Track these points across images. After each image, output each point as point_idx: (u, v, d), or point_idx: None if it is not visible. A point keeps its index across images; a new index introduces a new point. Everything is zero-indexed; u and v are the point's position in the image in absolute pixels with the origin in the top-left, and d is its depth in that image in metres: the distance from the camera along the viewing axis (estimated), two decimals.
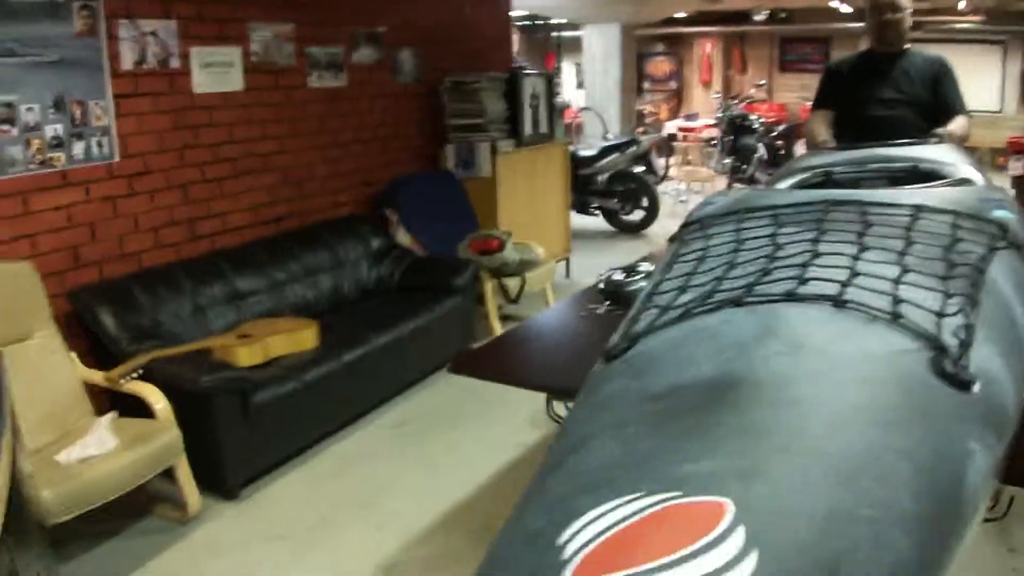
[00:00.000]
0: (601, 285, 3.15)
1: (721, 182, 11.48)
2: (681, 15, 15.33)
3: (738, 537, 0.83)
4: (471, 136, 6.06)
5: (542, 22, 15.87)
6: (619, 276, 3.13)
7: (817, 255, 1.38)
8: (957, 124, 3.56)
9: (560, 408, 2.63)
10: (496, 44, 7.09)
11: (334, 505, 3.59)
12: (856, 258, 1.36)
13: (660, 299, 1.45)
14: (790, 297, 1.24)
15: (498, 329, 5.30)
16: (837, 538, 0.85)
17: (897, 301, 1.22)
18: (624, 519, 0.88)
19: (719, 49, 17.38)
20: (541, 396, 4.41)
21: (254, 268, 4.50)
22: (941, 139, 3.29)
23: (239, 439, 3.56)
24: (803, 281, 1.28)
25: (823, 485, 0.90)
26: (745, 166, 11.41)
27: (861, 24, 13.75)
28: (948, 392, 1.08)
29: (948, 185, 2.14)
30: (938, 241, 1.47)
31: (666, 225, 9.38)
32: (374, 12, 5.68)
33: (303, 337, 4.07)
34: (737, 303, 1.27)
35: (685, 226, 1.86)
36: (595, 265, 7.05)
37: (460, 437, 4.19)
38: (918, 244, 1.44)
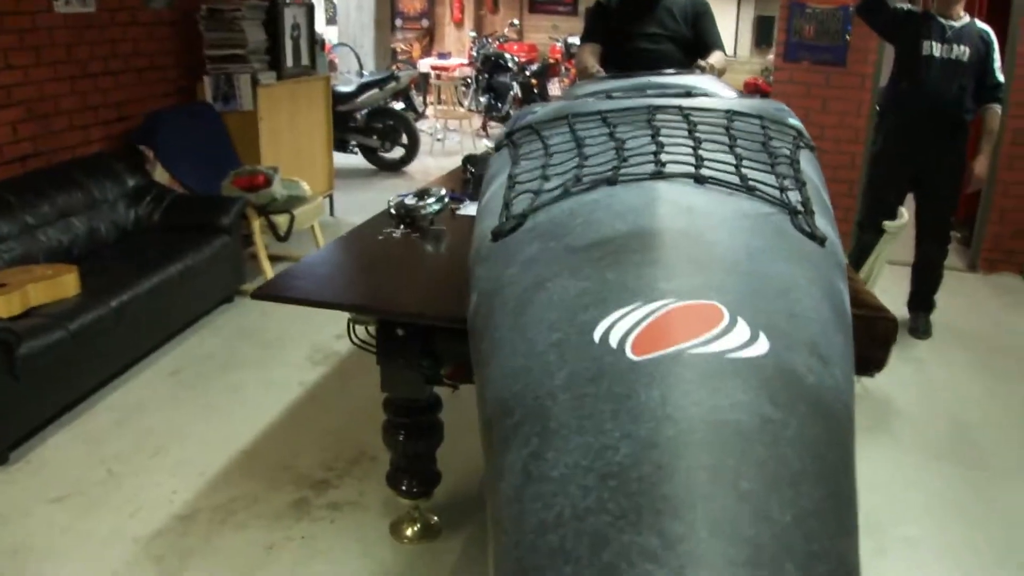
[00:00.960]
0: (392, 210, 3.15)
1: (477, 120, 11.62)
2: None
3: (744, 325, 1.02)
4: (230, 67, 5.79)
5: None
6: (411, 201, 3.14)
7: (662, 146, 1.51)
8: (716, 58, 3.83)
9: (362, 332, 2.62)
10: None
11: (119, 458, 3.41)
12: (696, 148, 1.51)
13: (525, 186, 1.51)
14: (658, 175, 1.37)
15: (268, 268, 5.17)
16: (804, 330, 1.08)
17: (746, 179, 1.40)
18: (643, 319, 1.03)
19: None
20: (318, 335, 4.44)
21: (1, 212, 4.12)
22: (703, 70, 3.52)
23: (5, 396, 3.28)
24: (662, 164, 1.42)
25: (771, 295, 1.12)
26: (501, 104, 11.61)
27: None
28: (813, 244, 1.31)
29: None
30: (755, 138, 1.66)
31: (426, 162, 9.42)
32: None
33: (64, 283, 3.81)
34: (611, 182, 1.38)
35: (511, 133, 1.91)
36: (358, 202, 7.06)
37: (241, 380, 4.08)
38: (741, 140, 1.62)
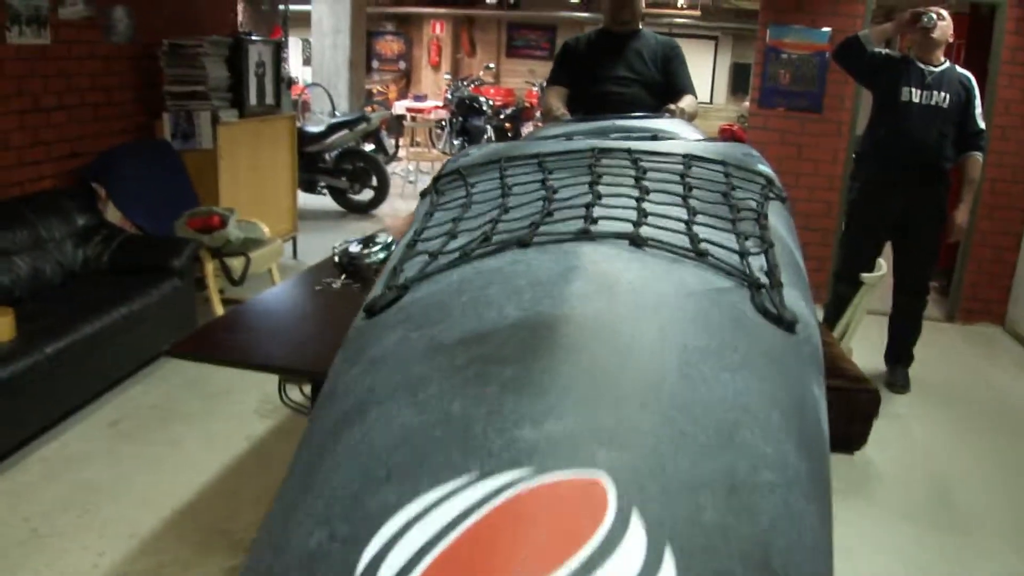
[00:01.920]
0: (336, 258, 2.95)
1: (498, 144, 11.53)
2: None
3: (638, 530, 0.59)
4: (191, 104, 5.61)
5: None
6: (356, 248, 2.94)
7: (599, 197, 1.25)
8: (687, 102, 3.66)
9: (295, 393, 2.42)
10: (219, 7, 6.63)
11: (46, 516, 3.17)
12: (641, 200, 1.24)
13: (426, 246, 1.24)
14: (583, 236, 1.08)
15: (221, 313, 4.95)
16: (752, 518, 0.67)
17: (697, 240, 1.11)
18: (459, 519, 0.60)
19: (448, 31, 17.42)
20: (269, 385, 4.20)
21: None
22: (673, 114, 3.36)
23: None
24: (593, 220, 1.14)
25: (706, 445, 0.72)
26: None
27: (587, 14, 14.27)
28: (778, 332, 0.98)
29: None
30: (715, 187, 1.40)
31: (396, 205, 9.26)
32: None
33: None
34: (524, 243, 1.09)
35: (438, 178, 1.64)
36: (323, 245, 6.86)
37: (183, 433, 3.85)
38: (697, 189, 1.35)
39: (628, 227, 1.11)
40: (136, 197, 5.23)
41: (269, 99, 6.34)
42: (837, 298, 4.50)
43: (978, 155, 4.45)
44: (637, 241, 1.07)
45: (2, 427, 3.44)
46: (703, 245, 1.09)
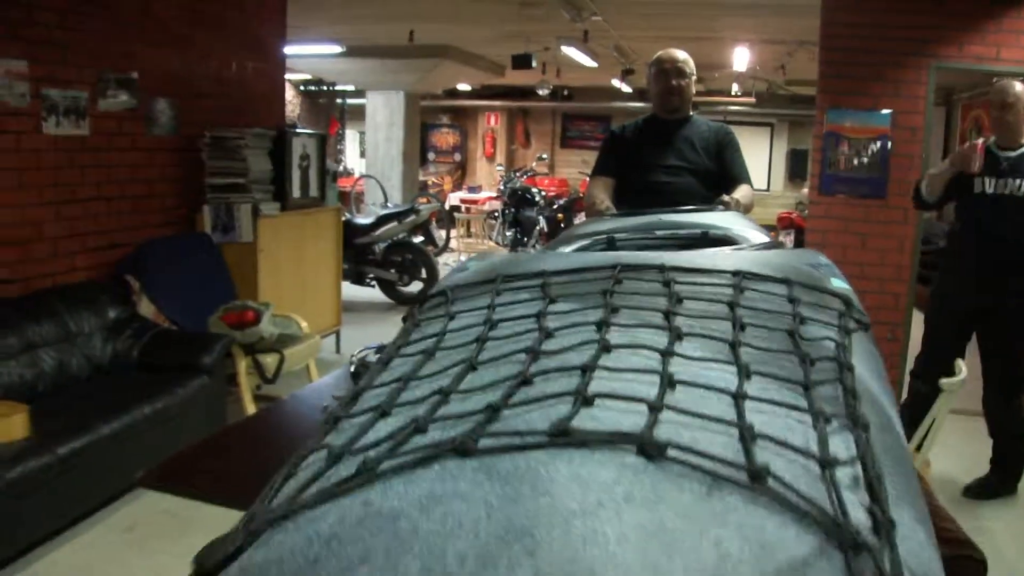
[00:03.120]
0: (352, 367, 2.69)
1: (503, 254, 11.36)
2: (466, 88, 15.36)
3: None
4: (231, 197, 5.49)
5: (327, 87, 15.48)
6: (373, 357, 2.69)
7: (606, 350, 0.82)
8: (742, 192, 3.39)
9: None
10: (266, 100, 6.57)
11: None
12: (668, 354, 0.81)
13: (345, 428, 0.78)
14: (561, 437, 0.63)
15: (252, 412, 4.71)
16: None
17: (751, 437, 0.64)
18: None
19: (503, 123, 17.49)
20: None
21: None
22: (727, 206, 3.06)
23: None
24: (585, 400, 0.70)
25: None
26: (526, 238, 11.39)
27: (641, 104, 14.22)
28: None
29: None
30: (777, 323, 0.97)
31: None
32: (127, 55, 5.06)
33: (9, 425, 3.41)
34: (463, 450, 0.63)
35: (425, 300, 1.24)
36: (367, 340, 6.65)
37: (200, 541, 3.55)
38: (752, 328, 0.93)
39: (640, 414, 0.67)
40: (172, 290, 5.09)
41: (313, 192, 6.21)
42: (917, 399, 4.11)
43: None
44: (649, 450, 0.61)
45: (10, 529, 3.23)
46: (760, 449, 0.63)
